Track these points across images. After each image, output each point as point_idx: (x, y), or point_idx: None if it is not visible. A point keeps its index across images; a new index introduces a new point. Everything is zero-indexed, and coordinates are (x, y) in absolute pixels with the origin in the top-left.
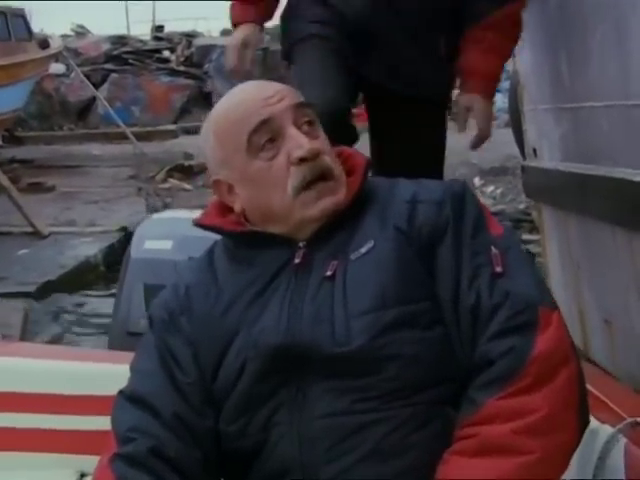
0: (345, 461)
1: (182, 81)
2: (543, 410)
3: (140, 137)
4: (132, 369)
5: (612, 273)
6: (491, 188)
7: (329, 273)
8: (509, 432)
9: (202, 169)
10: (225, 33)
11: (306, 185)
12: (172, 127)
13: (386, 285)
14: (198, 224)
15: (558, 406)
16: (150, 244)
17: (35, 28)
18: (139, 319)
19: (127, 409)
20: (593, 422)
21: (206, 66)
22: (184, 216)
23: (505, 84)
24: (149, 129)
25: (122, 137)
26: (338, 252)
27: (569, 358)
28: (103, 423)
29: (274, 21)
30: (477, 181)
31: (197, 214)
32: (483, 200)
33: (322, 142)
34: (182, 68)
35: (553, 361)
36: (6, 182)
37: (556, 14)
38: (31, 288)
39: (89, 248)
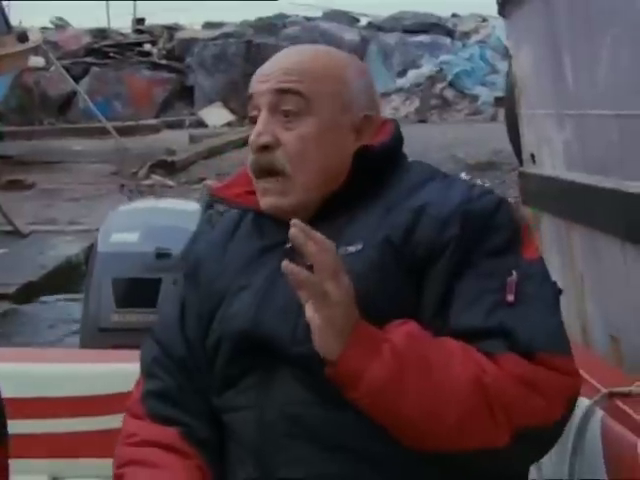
0: (299, 451)
1: (164, 75)
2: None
3: (122, 132)
4: (159, 310)
5: (621, 288)
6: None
7: (309, 263)
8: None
9: (184, 165)
10: (207, 26)
11: (254, 176)
12: (154, 121)
13: (362, 295)
14: (210, 193)
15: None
16: (116, 237)
17: (13, 21)
18: (110, 314)
19: (150, 347)
20: None
21: (188, 59)
22: (150, 206)
23: (491, 77)
24: (131, 123)
25: (103, 132)
26: (332, 236)
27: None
28: (75, 425)
29: (258, 14)
30: (464, 176)
31: (163, 203)
32: None
33: (292, 135)
34: (164, 62)
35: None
36: None
37: (562, 17)
38: (11, 289)
39: (70, 247)
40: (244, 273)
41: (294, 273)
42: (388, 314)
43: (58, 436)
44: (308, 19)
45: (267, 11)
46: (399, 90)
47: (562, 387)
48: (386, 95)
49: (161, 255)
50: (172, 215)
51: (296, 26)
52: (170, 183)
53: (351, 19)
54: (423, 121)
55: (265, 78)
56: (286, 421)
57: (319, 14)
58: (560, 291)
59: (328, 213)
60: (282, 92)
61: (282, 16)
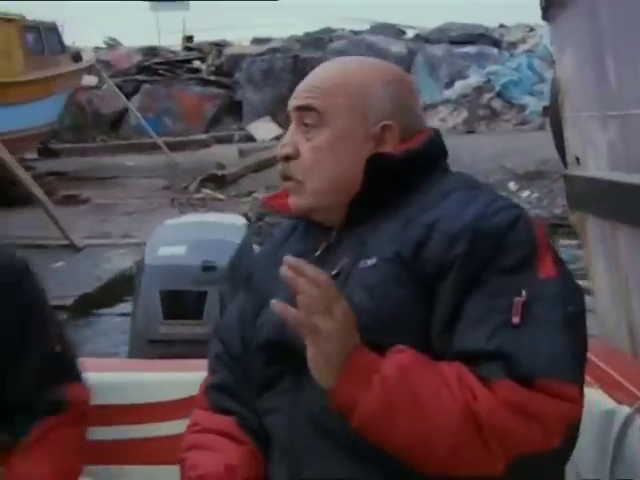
0: (323, 454)
1: (213, 90)
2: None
3: (172, 147)
4: (224, 308)
5: None
6: (527, 193)
7: (334, 272)
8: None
9: (234, 179)
10: (255, 42)
11: (281, 180)
12: (204, 137)
13: (373, 311)
14: (261, 203)
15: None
16: (164, 250)
17: (67, 41)
18: (157, 325)
19: (214, 345)
20: (610, 403)
21: (236, 75)
22: (197, 220)
23: (539, 87)
24: (181, 139)
25: (155, 147)
26: (354, 249)
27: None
28: (121, 433)
29: (306, 29)
30: (512, 186)
31: (210, 217)
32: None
33: (308, 146)
34: (212, 78)
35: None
36: (42, 195)
37: (605, 19)
38: (68, 301)
39: (124, 260)
40: (280, 279)
41: (282, 312)
42: (399, 330)
43: (109, 443)
44: (355, 33)
45: (314, 26)
46: (446, 101)
47: (560, 414)
48: (433, 107)
49: (207, 268)
50: (218, 229)
51: (343, 40)
52: (220, 196)
53: (398, 32)
54: (471, 132)
55: (295, 95)
56: (312, 425)
57: (366, 27)
58: (581, 311)
59: (354, 220)
60: (302, 109)
61: (329, 30)
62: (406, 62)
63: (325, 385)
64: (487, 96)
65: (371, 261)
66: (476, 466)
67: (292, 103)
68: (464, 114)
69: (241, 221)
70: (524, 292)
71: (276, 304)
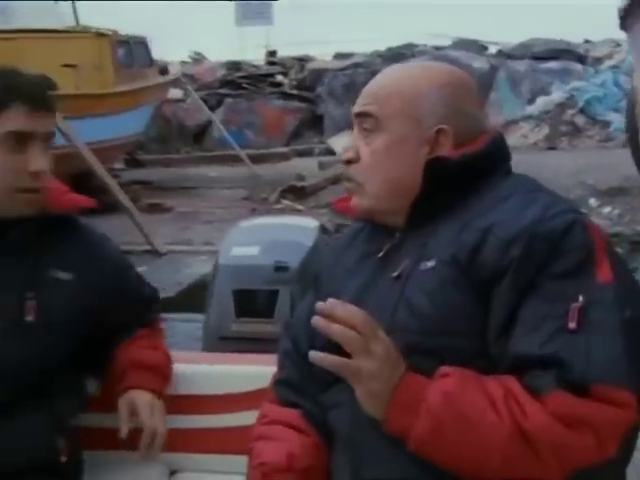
0: (383, 452)
1: (295, 104)
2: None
3: (254, 159)
4: (295, 307)
5: None
6: (608, 209)
7: (395, 274)
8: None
9: (314, 190)
10: (337, 57)
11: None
12: (284, 149)
13: (431, 314)
14: (331, 206)
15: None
16: (237, 250)
17: (155, 55)
18: (230, 323)
19: (283, 341)
20: None
21: (318, 89)
22: (270, 222)
23: (624, 103)
24: (262, 151)
25: (236, 159)
26: (415, 251)
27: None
28: (192, 422)
29: (387, 44)
30: (593, 202)
31: (283, 220)
32: (599, 221)
33: (367, 151)
34: (295, 92)
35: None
36: (128, 202)
37: None
38: None
39: (204, 266)
40: (346, 278)
41: (319, 360)
42: (457, 332)
43: (178, 431)
44: (437, 48)
45: (397, 41)
46: (528, 117)
47: (616, 421)
48: (514, 122)
49: (279, 268)
50: (291, 230)
51: (424, 55)
52: (299, 207)
53: (480, 47)
54: (553, 148)
55: (356, 101)
56: (372, 422)
57: (448, 43)
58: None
59: (415, 223)
60: (361, 115)
61: (411, 46)
62: (488, 78)
63: (377, 417)
64: (570, 112)
65: (430, 263)
66: (528, 478)
67: (353, 109)
68: (546, 130)
69: (313, 224)
70: (581, 297)
71: (314, 355)
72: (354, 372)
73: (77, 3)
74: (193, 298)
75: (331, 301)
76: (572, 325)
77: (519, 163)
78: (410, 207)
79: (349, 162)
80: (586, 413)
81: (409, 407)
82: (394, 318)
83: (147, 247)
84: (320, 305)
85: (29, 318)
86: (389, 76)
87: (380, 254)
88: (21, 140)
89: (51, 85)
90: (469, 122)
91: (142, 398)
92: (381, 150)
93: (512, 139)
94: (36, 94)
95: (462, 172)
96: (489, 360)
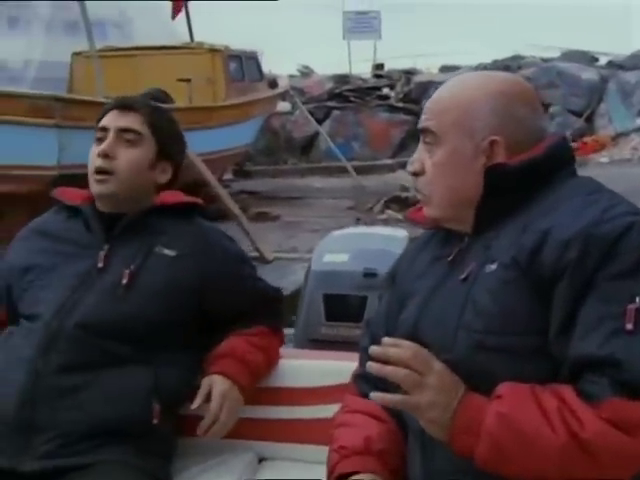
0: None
1: (401, 117)
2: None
3: (359, 171)
4: (378, 303)
5: None
6: None
7: (462, 277)
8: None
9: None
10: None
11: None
12: (389, 161)
13: (495, 315)
14: (405, 216)
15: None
16: (328, 257)
17: (265, 69)
18: (320, 326)
19: (363, 337)
20: None
21: (424, 102)
22: (361, 232)
23: None
24: (368, 163)
25: (342, 171)
26: (480, 254)
27: None
28: (280, 413)
29: (494, 57)
30: None
31: (373, 229)
32: None
33: (429, 163)
34: (401, 104)
35: None
36: (237, 210)
37: None
38: None
39: None
40: (418, 280)
41: (380, 400)
42: (520, 333)
43: (267, 421)
44: (545, 60)
45: (504, 54)
46: (639, 130)
47: None
48: (625, 135)
49: (368, 274)
50: (381, 239)
51: (532, 67)
52: (402, 217)
53: (590, 58)
54: None
55: (421, 116)
56: None
57: (557, 54)
58: None
59: (480, 228)
60: (422, 131)
61: (518, 57)
62: (598, 89)
63: (443, 440)
64: None
65: (494, 266)
66: None
67: (418, 124)
68: None
69: (403, 234)
70: (638, 299)
71: (374, 396)
72: (413, 407)
73: (192, 20)
74: (297, 303)
75: (384, 341)
76: (629, 326)
77: (628, 175)
78: (474, 213)
79: (415, 174)
80: None
81: (469, 430)
82: (461, 318)
83: (255, 254)
84: (373, 350)
85: (124, 281)
86: (445, 90)
87: (450, 258)
88: (103, 133)
89: (166, 98)
90: (526, 130)
91: (220, 386)
92: (441, 162)
93: (623, 152)
94: (124, 98)
95: (521, 177)
96: (550, 359)
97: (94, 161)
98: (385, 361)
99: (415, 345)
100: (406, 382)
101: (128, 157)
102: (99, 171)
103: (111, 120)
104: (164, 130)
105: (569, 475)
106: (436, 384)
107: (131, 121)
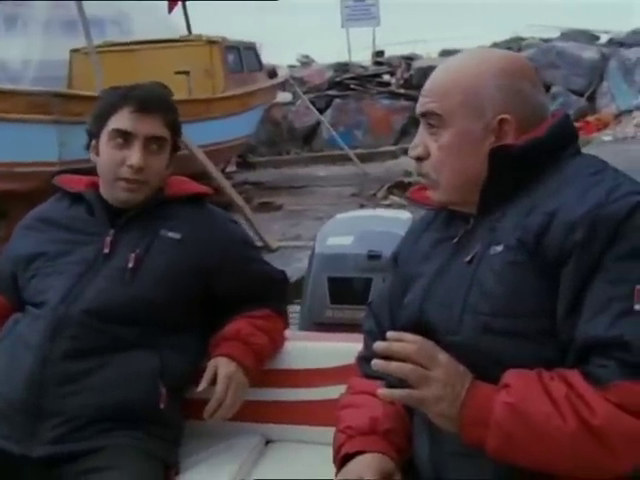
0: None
1: (402, 103)
2: None
3: (362, 158)
4: (383, 283)
5: None
6: None
7: (468, 259)
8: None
9: None
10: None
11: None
12: (392, 148)
13: (501, 297)
14: (407, 196)
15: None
16: (332, 240)
17: (264, 60)
18: (324, 309)
19: (367, 318)
20: None
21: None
22: (365, 214)
23: None
24: (371, 150)
25: (345, 159)
26: (485, 236)
27: None
28: (286, 395)
29: (494, 39)
30: None
31: (377, 212)
32: None
33: (435, 146)
34: (402, 91)
35: None
36: (240, 201)
37: None
38: None
39: None
40: (422, 262)
41: (387, 396)
42: (526, 315)
43: (274, 403)
44: (545, 40)
45: (504, 35)
46: None
47: None
48: (627, 112)
49: (372, 257)
50: (385, 222)
51: (532, 48)
52: (406, 202)
53: (591, 37)
54: None
55: (418, 101)
56: None
57: (556, 34)
58: None
59: (485, 209)
60: (425, 114)
61: (518, 39)
62: (599, 68)
63: (452, 431)
64: None
65: (499, 247)
66: (601, 471)
67: (417, 110)
68: None
69: (406, 215)
70: None
71: (381, 394)
72: (419, 401)
73: (190, 17)
74: (302, 290)
75: (389, 335)
76: (638, 307)
77: (632, 152)
78: (479, 195)
79: (419, 159)
80: None
81: (479, 421)
82: (467, 301)
83: (259, 243)
84: (377, 345)
85: (130, 265)
86: (445, 71)
87: (455, 240)
88: (125, 138)
89: (166, 92)
90: (531, 106)
91: (225, 369)
92: (448, 145)
93: (625, 129)
94: (143, 99)
95: (526, 158)
96: (557, 342)
97: (119, 169)
98: (390, 356)
99: (419, 338)
100: (412, 377)
101: (157, 165)
102: (130, 181)
103: (136, 126)
104: (177, 126)
105: (581, 462)
106: (442, 377)
107: (156, 126)
